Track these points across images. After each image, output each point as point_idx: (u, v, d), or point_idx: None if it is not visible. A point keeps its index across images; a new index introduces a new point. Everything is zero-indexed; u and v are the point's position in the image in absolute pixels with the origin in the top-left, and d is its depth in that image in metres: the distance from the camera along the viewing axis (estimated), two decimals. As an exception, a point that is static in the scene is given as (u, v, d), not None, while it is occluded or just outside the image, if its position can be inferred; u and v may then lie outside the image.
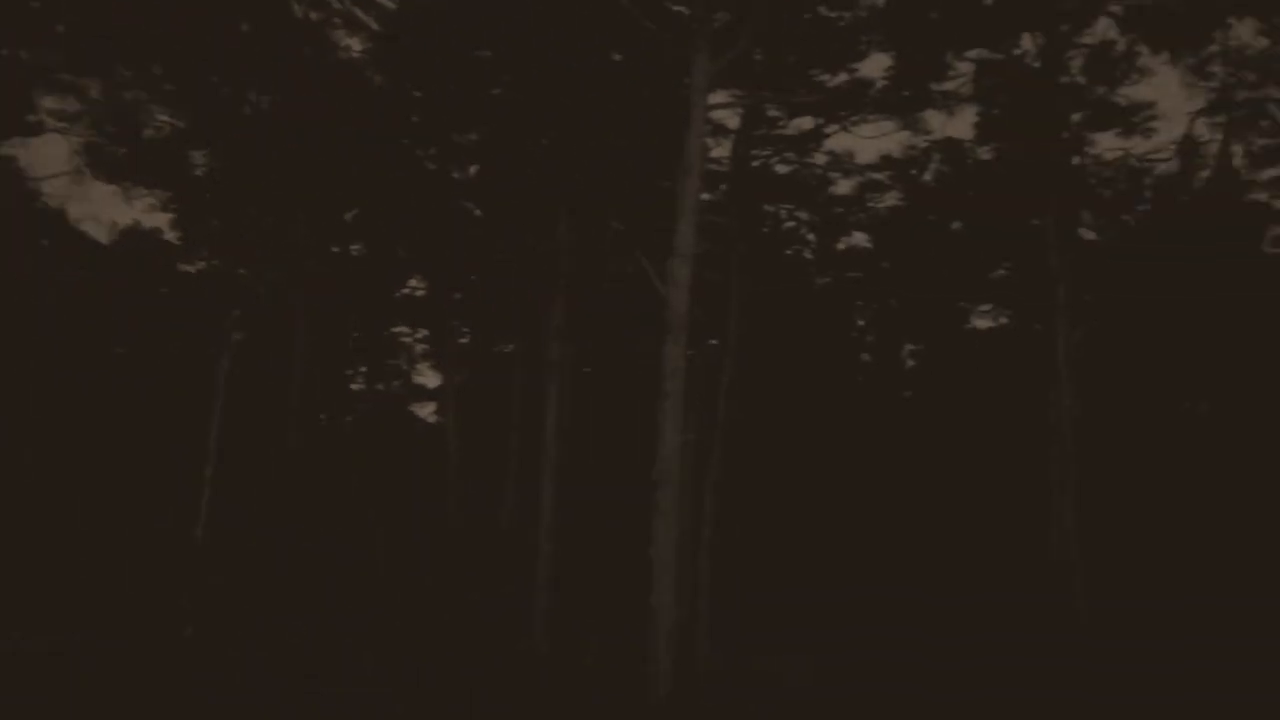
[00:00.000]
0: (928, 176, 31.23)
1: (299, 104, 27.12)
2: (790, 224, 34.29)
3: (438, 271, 34.34)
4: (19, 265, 29.68)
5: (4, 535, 25.87)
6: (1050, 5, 24.15)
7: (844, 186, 32.25)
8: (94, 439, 31.70)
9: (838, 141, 73.78)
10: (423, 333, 40.94)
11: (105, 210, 60.90)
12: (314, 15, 27.61)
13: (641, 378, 23.60)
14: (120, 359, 34.83)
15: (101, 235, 34.23)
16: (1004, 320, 36.39)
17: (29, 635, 21.01)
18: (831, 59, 25.18)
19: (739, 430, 27.34)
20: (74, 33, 24.97)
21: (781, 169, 29.77)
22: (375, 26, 26.80)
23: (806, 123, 27.50)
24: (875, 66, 44.10)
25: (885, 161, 30.71)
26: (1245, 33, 25.14)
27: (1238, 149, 27.54)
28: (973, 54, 25.24)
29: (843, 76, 25.55)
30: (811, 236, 35.76)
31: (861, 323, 39.52)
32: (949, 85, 25.85)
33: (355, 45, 28.03)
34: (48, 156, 48.17)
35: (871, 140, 46.01)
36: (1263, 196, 28.19)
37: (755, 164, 28.59)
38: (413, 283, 37.13)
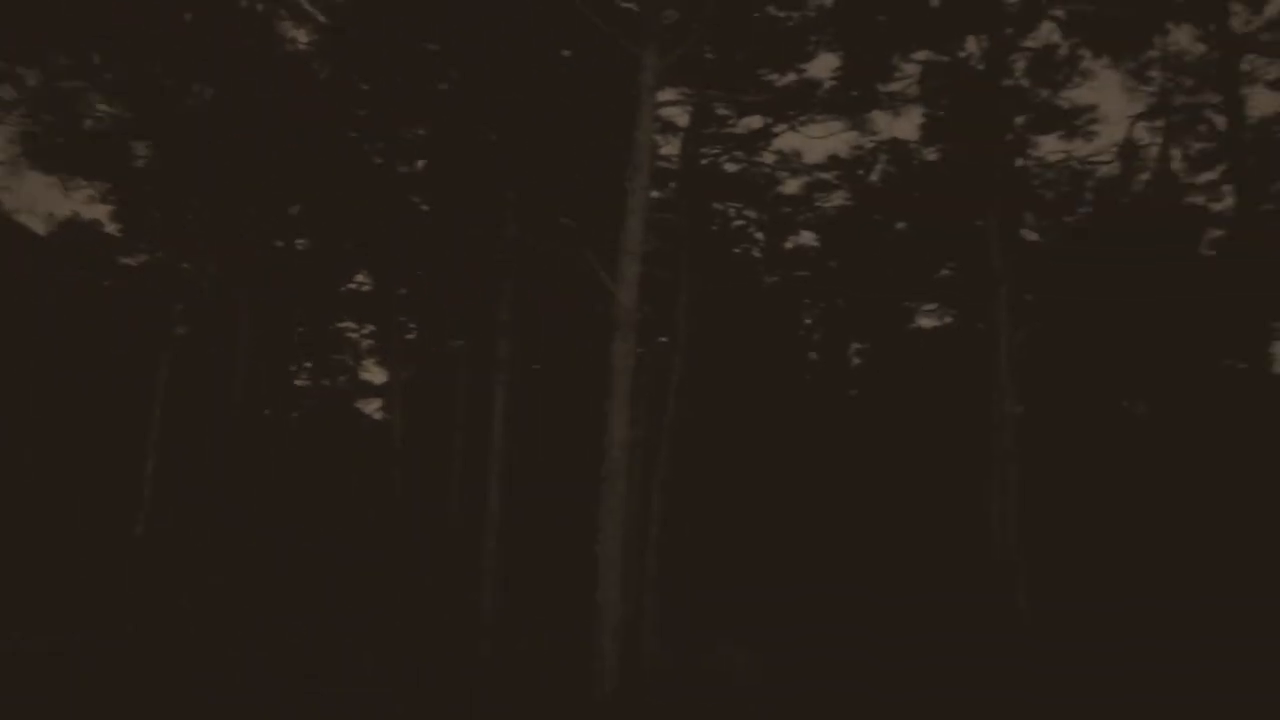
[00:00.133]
0: (874, 177, 31.35)
1: (243, 96, 26.73)
2: (739, 222, 34.45)
3: (384, 266, 33.99)
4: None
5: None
6: (995, 8, 24.41)
7: (792, 186, 32.56)
8: (31, 434, 31.03)
9: (786, 141, 74.55)
10: (369, 328, 40.52)
11: (42, 201, 59.65)
12: (259, 6, 27.26)
13: (590, 375, 23.58)
14: (59, 352, 34.09)
15: (39, 226, 33.63)
16: (948, 320, 36.66)
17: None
18: (780, 59, 25.36)
19: (688, 428, 27.40)
20: (9, 19, 24.40)
21: (730, 167, 29.92)
22: (322, 18, 26.55)
23: (755, 122, 27.68)
24: (823, 67, 44.47)
25: (832, 161, 30.80)
26: (1184, 39, 25.73)
27: (1176, 153, 28.05)
28: (919, 56, 25.47)
29: (791, 76, 25.78)
30: (760, 235, 35.93)
31: (809, 321, 39.67)
32: (895, 86, 26.12)
33: (302, 37, 27.79)
34: (-18, 146, 47.04)
35: (819, 140, 46.51)
36: (1200, 200, 28.62)
37: (704, 162, 28.68)
38: (359, 278, 36.72)
